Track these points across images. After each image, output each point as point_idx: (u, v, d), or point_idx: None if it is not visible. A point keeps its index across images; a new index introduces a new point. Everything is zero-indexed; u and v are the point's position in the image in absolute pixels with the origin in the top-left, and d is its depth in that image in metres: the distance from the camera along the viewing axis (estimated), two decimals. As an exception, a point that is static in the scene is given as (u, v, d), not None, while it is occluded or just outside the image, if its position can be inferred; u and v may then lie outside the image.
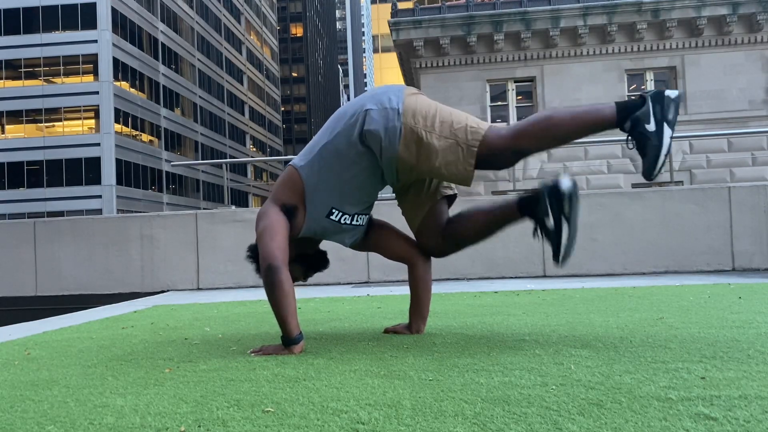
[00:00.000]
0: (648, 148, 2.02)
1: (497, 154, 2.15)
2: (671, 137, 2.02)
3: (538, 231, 2.20)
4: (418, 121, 2.16)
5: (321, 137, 2.31)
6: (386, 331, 2.62)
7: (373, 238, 2.54)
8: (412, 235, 2.51)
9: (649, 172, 2.04)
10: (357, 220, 2.39)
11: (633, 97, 2.09)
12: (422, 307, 2.58)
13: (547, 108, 2.11)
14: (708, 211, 5.47)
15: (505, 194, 5.86)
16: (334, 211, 2.32)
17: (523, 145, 2.13)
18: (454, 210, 2.47)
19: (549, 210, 2.13)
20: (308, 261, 2.53)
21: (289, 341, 2.19)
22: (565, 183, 2.11)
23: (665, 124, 2.01)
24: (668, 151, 2.00)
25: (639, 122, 2.02)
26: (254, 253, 2.44)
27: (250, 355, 2.18)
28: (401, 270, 5.66)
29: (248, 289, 5.58)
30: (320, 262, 2.57)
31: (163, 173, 49.35)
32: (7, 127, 43.57)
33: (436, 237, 2.39)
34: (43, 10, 42.94)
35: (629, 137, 2.07)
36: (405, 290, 4.76)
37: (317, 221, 2.34)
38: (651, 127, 2.00)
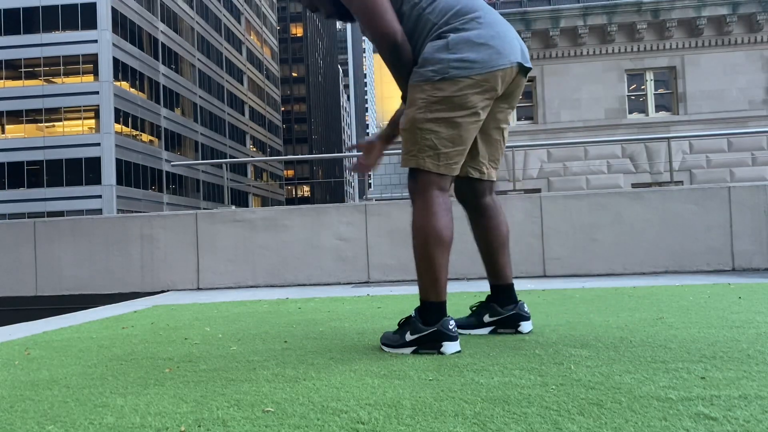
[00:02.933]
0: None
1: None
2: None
3: (478, 308, 2.40)
4: (432, 95, 2.02)
5: None
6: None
7: None
8: None
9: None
10: None
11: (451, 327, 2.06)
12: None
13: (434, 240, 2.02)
14: (708, 211, 5.47)
15: (505, 194, 5.85)
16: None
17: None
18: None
19: (497, 317, 2.34)
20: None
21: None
22: (526, 327, 2.35)
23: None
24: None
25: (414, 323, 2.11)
26: None
27: None
28: (401, 270, 5.69)
29: (248, 289, 5.58)
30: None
31: (163, 173, 49.38)
32: (7, 127, 43.60)
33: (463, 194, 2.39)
34: (43, 10, 42.97)
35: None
36: (405, 290, 4.77)
37: None
38: (407, 336, 2.10)
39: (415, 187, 2.10)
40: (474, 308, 2.45)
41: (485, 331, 2.39)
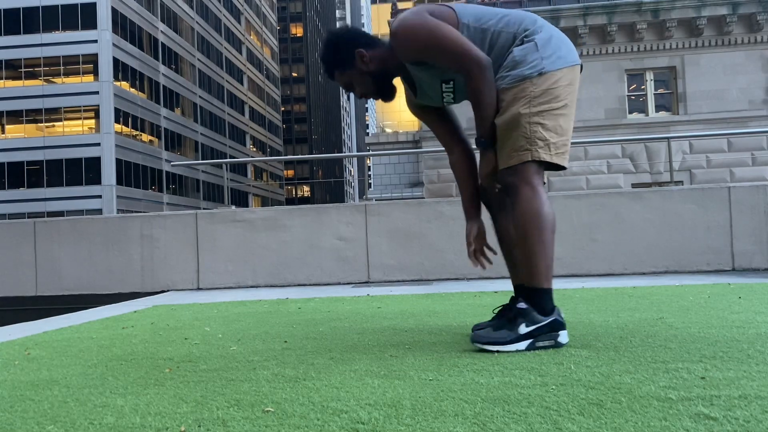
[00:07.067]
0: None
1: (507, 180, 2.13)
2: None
3: (506, 310, 2.14)
4: (539, 88, 2.09)
5: (489, 19, 2.19)
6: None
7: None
8: None
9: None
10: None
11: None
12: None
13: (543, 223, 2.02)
14: (708, 211, 5.47)
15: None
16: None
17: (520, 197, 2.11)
18: None
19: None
20: (383, 83, 2.30)
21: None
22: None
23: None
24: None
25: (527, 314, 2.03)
26: None
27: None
28: (401, 270, 5.69)
29: (248, 289, 5.58)
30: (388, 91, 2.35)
31: (163, 173, 49.37)
32: (7, 127, 43.59)
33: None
34: (43, 10, 42.95)
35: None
36: (405, 290, 4.77)
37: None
38: (522, 329, 2.00)
39: (521, 178, 2.10)
40: (497, 310, 2.35)
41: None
